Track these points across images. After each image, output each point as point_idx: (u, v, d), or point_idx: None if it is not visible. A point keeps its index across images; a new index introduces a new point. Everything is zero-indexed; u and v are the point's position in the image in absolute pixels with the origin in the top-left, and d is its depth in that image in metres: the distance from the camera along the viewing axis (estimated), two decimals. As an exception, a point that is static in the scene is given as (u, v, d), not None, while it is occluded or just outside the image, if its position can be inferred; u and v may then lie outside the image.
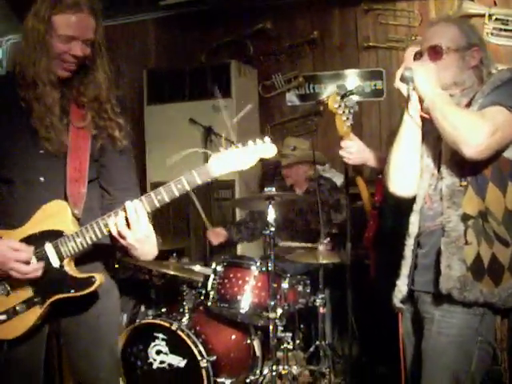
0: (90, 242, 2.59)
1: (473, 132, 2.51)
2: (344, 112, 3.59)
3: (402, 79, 2.72)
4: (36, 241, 2.62)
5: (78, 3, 2.61)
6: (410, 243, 2.86)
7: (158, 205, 2.54)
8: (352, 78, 6.62)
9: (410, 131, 2.79)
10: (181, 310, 4.55)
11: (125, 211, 2.50)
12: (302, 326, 5.01)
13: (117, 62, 7.56)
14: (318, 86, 6.79)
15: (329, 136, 6.40)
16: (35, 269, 2.58)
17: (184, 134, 6.13)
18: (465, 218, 2.62)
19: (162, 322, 4.38)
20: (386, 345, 4.35)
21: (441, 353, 2.70)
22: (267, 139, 2.55)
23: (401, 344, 3.04)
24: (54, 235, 2.61)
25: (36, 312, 2.64)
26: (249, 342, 4.61)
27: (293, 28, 6.88)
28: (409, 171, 2.86)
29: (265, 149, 2.53)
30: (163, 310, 4.70)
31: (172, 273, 4.71)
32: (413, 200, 2.88)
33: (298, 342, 4.85)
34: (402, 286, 2.89)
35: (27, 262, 2.57)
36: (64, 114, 2.75)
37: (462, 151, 2.53)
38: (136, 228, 2.48)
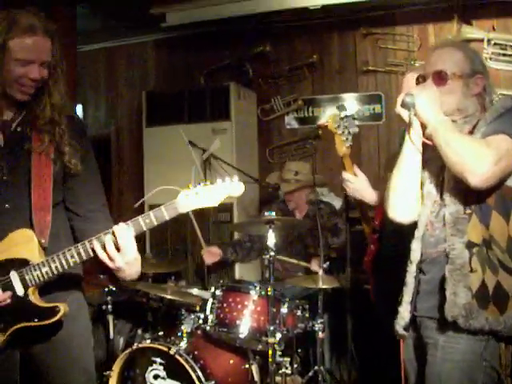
0: (55, 272, 2.58)
1: (478, 160, 2.49)
2: (343, 132, 3.59)
3: (403, 105, 2.67)
4: (1, 268, 2.61)
5: (33, 26, 2.59)
6: (412, 270, 2.84)
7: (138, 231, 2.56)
8: (351, 102, 6.63)
9: (410, 157, 2.76)
10: (179, 333, 4.50)
11: (113, 235, 2.50)
12: (299, 350, 4.97)
13: (116, 83, 7.65)
14: (316, 110, 6.80)
15: (328, 159, 6.38)
16: (3, 298, 2.57)
17: (183, 157, 6.11)
18: (469, 245, 2.60)
19: (159, 346, 4.33)
20: (385, 371, 4.34)
21: (446, 378, 2.67)
22: (236, 178, 2.55)
23: (403, 370, 3.01)
24: (20, 264, 2.60)
25: None
26: (247, 366, 4.57)
27: (292, 51, 6.91)
28: (408, 197, 2.84)
29: (233, 187, 2.54)
30: (160, 333, 4.64)
31: (170, 297, 4.67)
32: (412, 225, 2.86)
33: (295, 366, 4.81)
34: (404, 313, 2.87)
35: None
36: (25, 140, 2.73)
37: (466, 179, 2.51)
38: (126, 251, 2.51)
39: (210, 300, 4.51)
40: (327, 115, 6.55)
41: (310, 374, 4.87)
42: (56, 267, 2.56)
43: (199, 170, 2.28)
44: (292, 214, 5.62)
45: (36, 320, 2.60)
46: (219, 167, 5.98)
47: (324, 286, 4.63)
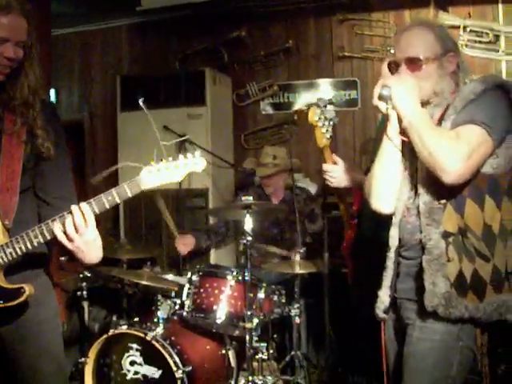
0: (19, 253, 2.56)
1: (449, 158, 2.47)
2: (324, 124, 3.58)
3: (380, 98, 2.64)
4: None
5: (9, 5, 2.57)
6: (391, 255, 2.84)
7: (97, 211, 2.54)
8: (326, 88, 6.61)
9: (389, 153, 2.75)
10: (155, 319, 4.48)
11: (71, 214, 2.48)
12: (275, 336, 4.97)
13: (90, 68, 7.58)
14: (292, 95, 6.77)
15: (303, 145, 6.40)
16: None
17: (157, 142, 6.06)
18: (445, 235, 2.60)
19: (136, 332, 4.31)
20: (363, 354, 4.36)
21: (421, 358, 2.69)
22: (197, 153, 2.59)
23: (383, 351, 3.01)
24: None
25: None
26: (224, 352, 4.56)
27: (268, 37, 6.86)
28: (389, 189, 2.83)
29: (195, 163, 2.56)
30: (136, 319, 4.62)
31: (146, 283, 4.63)
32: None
33: (271, 352, 4.81)
34: (384, 297, 2.87)
35: None
36: None
37: (440, 177, 2.50)
38: (83, 231, 2.48)
39: (187, 285, 4.49)
40: (303, 101, 6.56)
41: (287, 359, 4.89)
42: (20, 248, 2.55)
43: (162, 149, 2.26)
44: (268, 199, 5.60)
45: (1, 302, 2.59)
46: (194, 152, 5.94)
47: (301, 272, 4.64)
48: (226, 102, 6.77)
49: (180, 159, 2.55)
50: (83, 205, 2.50)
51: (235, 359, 4.62)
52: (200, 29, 6.99)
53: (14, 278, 2.65)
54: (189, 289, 4.48)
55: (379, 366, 3.07)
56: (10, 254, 2.55)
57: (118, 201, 2.53)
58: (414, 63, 2.69)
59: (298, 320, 4.73)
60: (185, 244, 5.39)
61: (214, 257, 6.02)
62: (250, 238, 4.22)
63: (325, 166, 3.67)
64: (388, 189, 2.82)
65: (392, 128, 2.68)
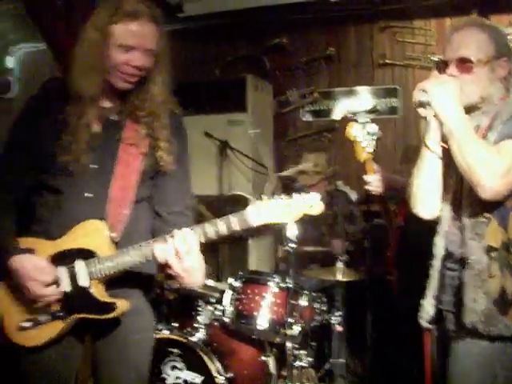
0: (120, 269, 2.53)
1: (486, 174, 2.40)
2: (365, 139, 3.54)
3: (420, 104, 2.56)
4: (68, 257, 2.57)
5: (138, 11, 2.49)
6: (436, 264, 2.78)
7: (203, 239, 2.43)
8: (367, 95, 6.60)
9: (428, 159, 2.69)
10: (195, 325, 4.47)
11: (172, 238, 2.39)
12: (312, 343, 4.94)
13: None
14: (332, 103, 6.78)
15: (343, 152, 6.38)
16: (52, 293, 2.54)
17: (199, 148, 6.09)
18: (489, 250, 2.53)
19: (177, 337, 4.31)
20: (404, 365, 4.32)
21: (465, 374, 2.64)
22: (314, 195, 2.38)
23: (427, 362, 2.98)
24: (87, 254, 2.55)
25: (58, 326, 2.61)
26: (264, 358, 4.53)
27: (309, 44, 6.87)
28: (429, 195, 2.77)
29: (310, 205, 2.37)
30: (175, 324, 4.62)
31: (188, 288, 4.63)
32: (436, 220, 2.82)
33: (310, 359, 4.78)
34: (428, 307, 2.82)
35: (46, 285, 2.54)
36: (118, 129, 2.66)
37: (476, 191, 2.44)
38: (183, 257, 2.37)
39: (228, 291, 4.48)
40: (341, 110, 6.57)
41: (326, 367, 4.86)
42: (121, 264, 2.51)
43: (273, 179, 2.20)
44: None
45: (93, 313, 2.58)
46: (235, 158, 5.97)
47: (343, 279, 4.61)
48: (267, 109, 6.78)
49: (295, 198, 2.36)
50: (186, 230, 2.39)
51: (275, 366, 4.60)
52: (241, 36, 7.02)
53: (115, 291, 2.63)
54: (231, 295, 4.46)
55: (421, 377, 3.04)
56: (110, 268, 2.53)
57: (225, 232, 2.43)
58: (464, 64, 2.60)
59: (338, 328, 4.70)
60: None
61: (253, 263, 6.02)
62: (293, 245, 4.20)
63: (366, 177, 3.64)
64: (428, 195, 2.76)
65: (432, 135, 2.62)
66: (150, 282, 2.86)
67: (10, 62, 8.28)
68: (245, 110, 6.22)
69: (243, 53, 7.01)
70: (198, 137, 6.10)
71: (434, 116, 2.54)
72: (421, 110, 2.59)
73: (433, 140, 2.63)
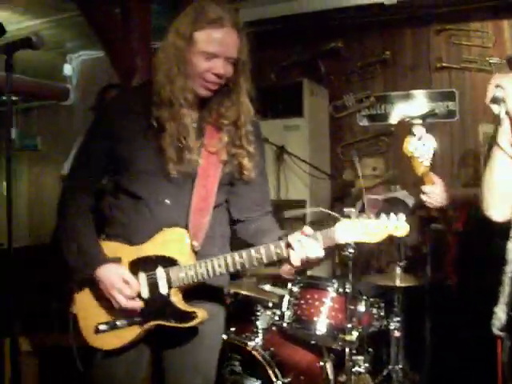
0: (200, 278, 2.54)
1: None
2: (421, 154, 3.50)
3: (494, 100, 2.42)
4: (149, 263, 2.60)
5: (221, 18, 2.48)
6: (508, 270, 2.72)
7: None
8: (423, 99, 6.55)
9: (500, 159, 2.54)
10: (254, 329, 4.48)
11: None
12: (370, 349, 4.91)
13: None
14: (389, 107, 6.74)
15: (399, 156, 6.31)
16: (133, 306, 2.58)
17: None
18: None
19: (236, 342, 4.33)
20: (466, 373, 4.26)
21: None
22: (402, 217, 2.39)
23: (499, 372, 2.92)
24: (168, 262, 2.58)
25: (135, 331, 2.64)
26: (322, 364, 4.52)
27: (364, 48, 6.85)
28: (504, 196, 2.68)
29: (396, 226, 2.39)
30: (232, 329, 4.64)
31: (246, 293, 4.65)
32: (505, 224, 2.75)
33: (367, 365, 4.76)
34: (500, 313, 2.76)
35: (130, 298, 2.58)
36: (199, 137, 2.65)
37: None
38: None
39: (287, 296, 4.48)
40: (398, 115, 6.53)
41: (384, 373, 4.82)
42: (201, 273, 2.52)
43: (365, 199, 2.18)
44: (364, 210, 5.55)
45: (173, 321, 2.60)
46: (292, 163, 5.98)
47: (401, 284, 4.58)
48: (323, 114, 6.78)
49: (382, 219, 2.38)
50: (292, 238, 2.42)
51: (332, 371, 4.59)
52: (296, 41, 7.03)
53: (193, 299, 2.65)
54: (289, 300, 4.47)
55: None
56: (191, 277, 2.54)
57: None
58: None
59: (397, 334, 4.66)
60: (290, 268, 5.31)
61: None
62: (352, 250, 4.19)
63: (423, 188, 3.59)
64: (501, 197, 2.66)
65: (504, 134, 2.49)
66: (225, 285, 2.89)
67: (68, 69, 8.44)
68: (301, 115, 6.22)
69: (298, 58, 7.01)
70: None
71: (507, 113, 2.42)
72: (494, 107, 2.45)
73: (505, 139, 2.51)
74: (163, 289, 2.57)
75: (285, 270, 5.19)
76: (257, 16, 6.47)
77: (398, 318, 4.62)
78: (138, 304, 2.58)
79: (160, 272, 2.57)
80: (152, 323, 2.61)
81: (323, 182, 6.29)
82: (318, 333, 4.32)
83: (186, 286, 2.57)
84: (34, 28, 6.92)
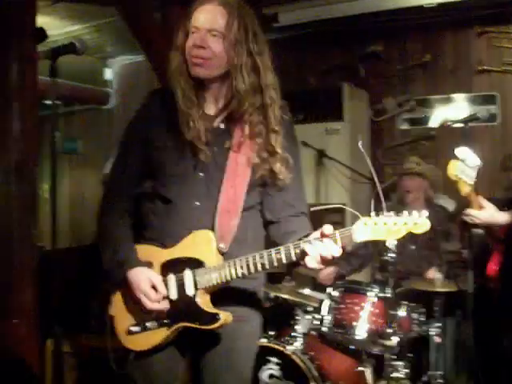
0: (223, 280, 2.53)
1: None
2: (467, 175, 3.47)
3: None
4: (178, 265, 2.61)
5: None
6: None
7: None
8: (464, 103, 6.50)
9: None
10: (293, 334, 4.48)
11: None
12: (409, 354, 4.88)
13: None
14: (429, 110, 6.70)
15: (440, 161, 6.27)
16: (157, 308, 2.60)
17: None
18: None
19: (275, 346, 4.33)
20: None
21: None
22: (424, 213, 2.26)
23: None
24: (195, 264, 2.58)
25: (163, 333, 2.65)
26: (361, 369, 4.51)
27: (404, 51, 6.81)
28: None
29: (416, 223, 2.25)
30: (271, 333, 4.64)
31: (287, 296, 4.65)
32: None
33: (406, 371, 4.72)
34: None
35: (157, 301, 2.60)
36: (224, 138, 2.63)
37: None
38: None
39: (327, 301, 4.48)
40: (439, 119, 6.50)
41: (424, 379, 4.79)
42: (225, 275, 2.51)
43: (381, 194, 2.13)
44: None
45: (197, 323, 2.60)
46: (332, 167, 5.98)
47: (442, 289, 4.55)
48: (363, 117, 6.75)
49: (402, 216, 2.26)
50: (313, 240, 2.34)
51: (371, 377, 4.57)
52: (336, 44, 7.02)
53: (225, 301, 2.64)
54: (329, 304, 4.46)
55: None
56: (215, 279, 2.54)
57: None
58: None
59: (437, 339, 4.63)
60: (328, 274, 5.33)
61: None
62: (393, 255, 4.18)
63: (469, 211, 3.56)
64: None
65: None
66: (259, 289, 2.83)
67: (109, 74, 8.52)
68: (341, 119, 6.21)
69: (338, 61, 7.01)
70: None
71: None
72: None
73: None
74: (189, 290, 2.58)
75: (323, 275, 5.21)
76: (296, 20, 6.50)
77: (439, 324, 4.59)
78: (162, 306, 2.60)
79: (187, 274, 2.58)
80: (179, 325, 2.62)
81: (363, 186, 6.27)
82: (357, 337, 4.31)
83: (213, 287, 2.57)
84: (74, 33, 7.02)
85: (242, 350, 2.78)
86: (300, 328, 4.51)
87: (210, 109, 2.68)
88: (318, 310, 4.54)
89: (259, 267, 2.45)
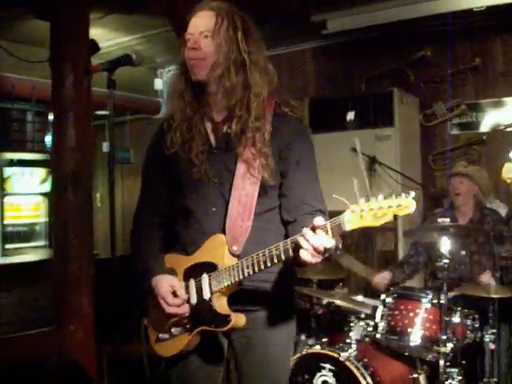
0: (232, 281, 2.58)
1: None
2: None
3: None
4: (198, 270, 2.70)
5: (199, 7, 2.67)
6: None
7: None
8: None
9: None
10: (347, 340, 4.48)
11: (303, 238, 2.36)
12: (463, 361, 4.84)
13: (277, 90, 7.74)
14: (480, 115, 6.61)
15: (492, 166, 6.22)
16: (175, 312, 2.69)
17: (347, 164, 6.14)
18: None
19: (329, 353, 4.34)
20: None
21: None
22: (412, 194, 2.22)
23: None
24: (211, 267, 2.65)
25: (185, 338, 2.73)
26: (415, 376, 4.49)
27: (454, 55, 6.72)
28: None
29: (400, 205, 2.19)
30: (324, 339, 4.65)
31: (340, 303, 4.66)
32: None
33: (460, 378, 4.68)
34: None
35: (175, 305, 2.68)
36: (231, 142, 2.70)
37: None
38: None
39: (380, 307, 4.47)
40: (490, 123, 6.44)
41: (479, 385, 4.75)
42: (234, 276, 2.57)
43: (366, 181, 2.11)
44: (455, 220, 5.46)
45: (212, 326, 2.66)
46: (384, 173, 5.96)
47: (496, 296, 4.50)
48: (413, 123, 6.71)
49: (385, 200, 2.22)
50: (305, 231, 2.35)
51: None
52: (385, 50, 6.99)
53: (249, 304, 2.72)
54: (383, 310, 4.45)
55: None
56: (225, 280, 2.60)
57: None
58: None
59: (491, 346, 4.59)
60: (382, 281, 5.31)
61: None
62: (447, 261, 4.16)
63: None
64: None
65: None
66: (287, 294, 2.87)
67: (159, 84, 8.61)
68: (392, 125, 6.18)
69: (387, 67, 6.97)
70: (345, 153, 6.16)
71: None
72: None
73: None
74: (206, 294, 2.65)
75: (376, 282, 5.21)
76: (345, 26, 6.49)
77: (493, 330, 4.54)
78: (181, 311, 2.69)
79: (204, 278, 2.66)
80: (198, 328, 2.69)
81: (415, 191, 6.23)
82: (412, 344, 4.30)
83: (227, 289, 2.62)
84: (124, 44, 7.12)
85: (276, 356, 2.81)
86: (354, 334, 4.52)
87: (218, 116, 2.76)
88: (371, 317, 4.54)
89: (262, 266, 2.48)
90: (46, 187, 7.40)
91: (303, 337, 5.30)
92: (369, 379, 4.19)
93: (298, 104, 2.84)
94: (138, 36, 7.04)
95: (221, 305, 2.65)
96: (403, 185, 6.02)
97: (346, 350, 4.37)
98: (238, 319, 2.63)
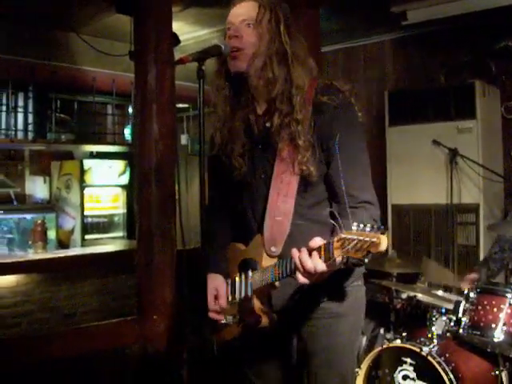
0: (264, 283, 2.61)
1: None
2: None
3: None
4: (247, 265, 2.75)
5: None
6: None
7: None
8: None
9: None
10: (429, 335, 4.43)
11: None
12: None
13: (354, 83, 7.68)
14: None
15: None
16: (214, 318, 2.81)
17: (427, 156, 6.08)
18: None
19: (410, 347, 4.29)
20: None
21: None
22: (382, 231, 2.10)
23: None
24: (254, 265, 2.70)
25: (235, 329, 2.81)
26: (497, 373, 4.40)
27: (537, 46, 6.59)
28: None
29: (374, 242, 2.07)
30: (404, 334, 4.60)
31: (422, 297, 4.61)
32: None
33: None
34: None
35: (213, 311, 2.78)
36: (271, 137, 2.67)
37: None
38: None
39: (463, 302, 4.40)
40: None
41: None
42: (265, 278, 2.60)
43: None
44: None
45: (248, 323, 2.74)
46: (465, 166, 5.87)
47: None
48: (495, 115, 6.58)
49: (364, 235, 2.09)
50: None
51: (508, 381, 4.45)
52: (464, 41, 6.85)
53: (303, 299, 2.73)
54: (465, 305, 4.38)
55: None
56: (261, 281, 2.64)
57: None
58: None
59: None
60: (471, 281, 5.21)
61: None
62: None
63: None
64: None
65: None
66: (343, 286, 2.78)
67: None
68: (473, 117, 6.06)
69: (468, 58, 6.84)
70: (426, 145, 6.10)
71: None
72: None
73: None
74: (248, 291, 2.71)
75: (464, 282, 5.12)
76: (424, 17, 6.38)
77: None
78: (218, 317, 2.82)
79: (249, 275, 2.71)
80: (242, 323, 2.76)
81: (495, 184, 6.13)
82: (495, 340, 4.21)
83: (263, 288, 2.64)
84: (202, 38, 7.17)
85: (339, 347, 2.79)
86: (436, 329, 4.46)
87: (260, 108, 2.74)
88: (453, 312, 4.47)
89: (289, 272, 2.47)
90: (125, 179, 7.53)
91: (382, 330, 5.27)
92: (450, 375, 4.12)
93: (350, 86, 2.72)
94: (215, 29, 7.06)
95: (258, 303, 2.70)
96: (485, 177, 5.92)
97: (428, 345, 4.32)
98: (266, 320, 2.69)
